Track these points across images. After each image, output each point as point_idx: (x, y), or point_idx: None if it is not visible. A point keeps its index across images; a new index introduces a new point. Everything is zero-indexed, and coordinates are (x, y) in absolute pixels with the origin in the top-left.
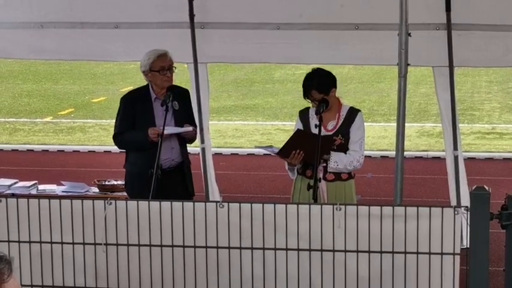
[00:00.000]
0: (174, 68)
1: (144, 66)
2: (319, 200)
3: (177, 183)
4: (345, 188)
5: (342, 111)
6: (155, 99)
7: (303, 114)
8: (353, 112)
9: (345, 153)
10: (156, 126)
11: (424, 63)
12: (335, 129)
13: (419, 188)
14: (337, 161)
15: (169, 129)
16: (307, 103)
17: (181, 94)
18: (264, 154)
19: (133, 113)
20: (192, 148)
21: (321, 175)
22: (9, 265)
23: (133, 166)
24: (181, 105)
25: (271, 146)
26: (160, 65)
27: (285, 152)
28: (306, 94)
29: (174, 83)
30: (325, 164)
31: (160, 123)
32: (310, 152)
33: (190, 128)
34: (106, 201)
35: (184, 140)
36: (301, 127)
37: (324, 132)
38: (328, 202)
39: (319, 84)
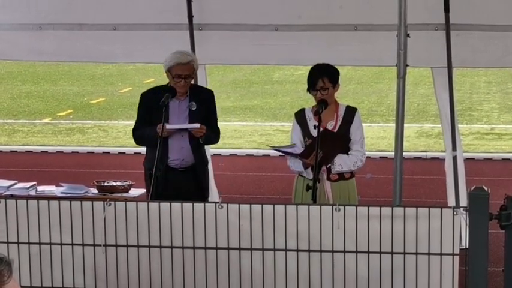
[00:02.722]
0: (192, 77)
1: (164, 65)
2: (325, 201)
3: (189, 183)
4: (348, 187)
5: (339, 111)
6: (172, 98)
7: (299, 116)
8: (350, 111)
9: (347, 153)
10: (169, 123)
11: (423, 64)
12: (335, 129)
13: (418, 188)
14: (341, 163)
15: (172, 126)
16: (303, 104)
17: (201, 95)
18: (263, 155)
19: (151, 109)
20: None
21: (324, 176)
22: (9, 266)
23: (149, 162)
24: (200, 107)
25: (292, 146)
26: (177, 73)
27: (307, 153)
28: (315, 82)
29: None
30: (329, 165)
31: (174, 121)
32: (328, 152)
33: (197, 125)
34: (105, 202)
35: (198, 140)
36: (298, 129)
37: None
38: (333, 202)
39: (330, 72)
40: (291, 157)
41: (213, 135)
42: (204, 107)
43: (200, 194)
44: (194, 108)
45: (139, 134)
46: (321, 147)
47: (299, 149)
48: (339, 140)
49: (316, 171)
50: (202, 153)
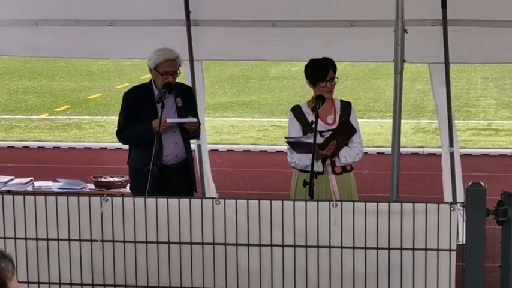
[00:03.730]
0: (178, 72)
1: (150, 63)
2: (330, 195)
3: (182, 179)
4: (350, 179)
5: (336, 105)
6: (158, 96)
7: (297, 112)
8: (346, 105)
9: (347, 146)
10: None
11: (420, 60)
12: (335, 122)
13: (415, 184)
14: (345, 155)
15: (172, 120)
16: (300, 100)
17: (184, 91)
18: (260, 150)
19: (137, 109)
20: None
21: (329, 169)
22: (12, 263)
23: (137, 162)
24: (184, 102)
25: (310, 136)
26: (165, 70)
27: (324, 144)
28: (326, 73)
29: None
30: (333, 159)
31: (164, 117)
32: (341, 143)
33: (194, 119)
34: (102, 197)
35: (188, 135)
36: (297, 125)
37: (324, 127)
38: (339, 195)
39: (334, 64)
40: (292, 152)
41: (199, 129)
42: (189, 102)
43: (191, 190)
44: (181, 104)
45: (128, 133)
46: (339, 138)
47: (318, 139)
48: (353, 131)
49: (312, 166)
50: (191, 148)
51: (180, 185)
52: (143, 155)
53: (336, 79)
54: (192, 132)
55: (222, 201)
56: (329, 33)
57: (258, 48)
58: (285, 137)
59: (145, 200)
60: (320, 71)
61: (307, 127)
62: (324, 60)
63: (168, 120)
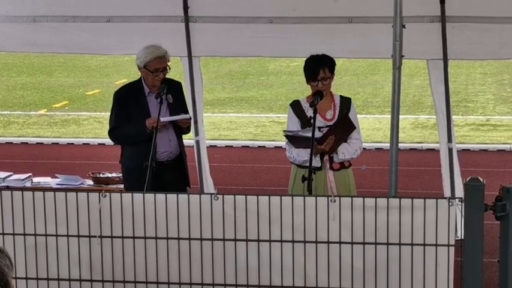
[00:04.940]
0: (168, 69)
1: (139, 62)
2: (327, 191)
3: (176, 176)
4: (348, 175)
5: (335, 100)
6: (149, 94)
7: (296, 107)
8: (346, 101)
9: (346, 142)
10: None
11: (419, 56)
12: (335, 118)
13: (413, 179)
14: (344, 152)
15: (166, 118)
16: (299, 95)
17: (174, 87)
18: (259, 146)
19: (128, 107)
20: (187, 140)
21: (328, 165)
22: (9, 258)
23: (130, 161)
24: (175, 98)
25: (308, 130)
26: (155, 67)
27: (323, 138)
28: (317, 72)
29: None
30: (332, 154)
31: (155, 116)
32: (341, 138)
33: (187, 116)
34: (100, 193)
35: (181, 131)
36: (296, 120)
37: (324, 122)
38: (338, 191)
39: (329, 62)
40: (291, 147)
41: (190, 124)
42: (179, 98)
43: (184, 185)
44: (172, 101)
45: (122, 132)
46: (337, 133)
47: (317, 133)
48: (352, 127)
49: (310, 162)
50: (183, 144)
51: (174, 180)
52: (137, 153)
53: (329, 79)
54: (184, 128)
55: (220, 197)
56: (327, 29)
57: (255, 45)
58: (284, 130)
59: (143, 195)
60: (311, 71)
61: (306, 122)
62: (318, 59)
63: (162, 119)
